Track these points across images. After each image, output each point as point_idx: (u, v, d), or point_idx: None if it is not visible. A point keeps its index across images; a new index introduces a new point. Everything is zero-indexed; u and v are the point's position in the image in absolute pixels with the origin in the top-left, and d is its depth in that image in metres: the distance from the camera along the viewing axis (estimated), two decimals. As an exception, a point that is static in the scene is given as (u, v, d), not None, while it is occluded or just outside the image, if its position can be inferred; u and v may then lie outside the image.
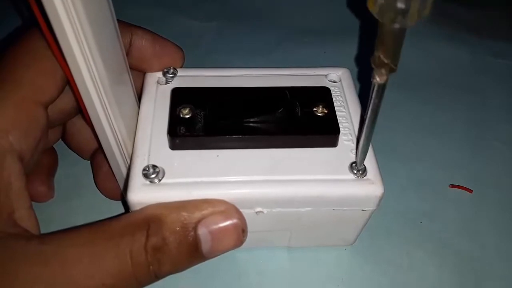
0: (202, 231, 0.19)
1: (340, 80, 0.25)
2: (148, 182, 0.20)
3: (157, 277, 0.19)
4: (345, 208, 0.21)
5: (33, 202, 0.25)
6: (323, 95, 0.23)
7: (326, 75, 0.25)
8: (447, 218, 0.28)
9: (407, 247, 0.26)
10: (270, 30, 0.41)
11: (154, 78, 0.24)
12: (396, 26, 0.14)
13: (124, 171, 0.22)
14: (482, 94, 0.36)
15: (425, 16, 0.14)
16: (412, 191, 0.29)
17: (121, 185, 0.24)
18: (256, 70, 0.25)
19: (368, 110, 0.18)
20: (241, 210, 0.21)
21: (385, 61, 0.15)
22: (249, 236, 0.24)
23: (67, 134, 0.26)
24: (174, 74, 0.24)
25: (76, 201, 0.27)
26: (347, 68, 0.26)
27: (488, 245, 0.27)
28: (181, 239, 0.18)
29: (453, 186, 0.30)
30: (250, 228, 0.22)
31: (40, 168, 0.26)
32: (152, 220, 0.18)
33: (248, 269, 0.25)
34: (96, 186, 0.27)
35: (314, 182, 0.20)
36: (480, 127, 0.34)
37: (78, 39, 0.16)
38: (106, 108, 0.19)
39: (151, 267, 0.18)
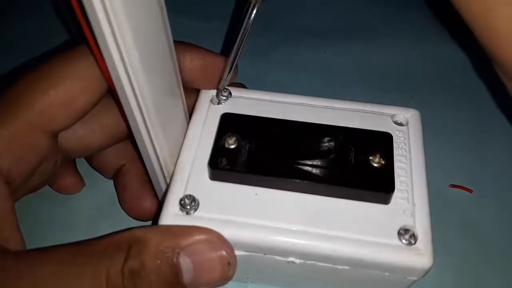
0: (184, 260, 0.17)
1: (408, 124, 0.23)
2: (183, 213, 0.19)
3: None
4: (386, 273, 0.19)
5: (64, 195, 0.27)
6: (383, 142, 0.21)
7: (392, 116, 0.23)
8: (447, 218, 0.27)
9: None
10: (270, 30, 0.40)
11: (208, 96, 0.23)
12: None
13: (164, 188, 0.22)
14: (482, 94, 0.35)
15: None
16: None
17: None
18: (316, 100, 0.23)
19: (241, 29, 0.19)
20: (272, 256, 0.20)
21: None
22: (277, 277, 0.23)
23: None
24: (228, 96, 0.23)
25: (76, 201, 0.28)
26: (417, 110, 0.23)
27: (488, 245, 0.27)
28: (161, 265, 0.17)
29: (453, 186, 0.29)
30: (278, 272, 0.21)
31: (68, 163, 0.26)
32: (134, 242, 0.17)
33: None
34: (121, 207, 0.26)
35: (356, 242, 0.19)
36: (480, 127, 0.33)
37: (122, 57, 0.15)
38: (149, 130, 0.18)
39: None
